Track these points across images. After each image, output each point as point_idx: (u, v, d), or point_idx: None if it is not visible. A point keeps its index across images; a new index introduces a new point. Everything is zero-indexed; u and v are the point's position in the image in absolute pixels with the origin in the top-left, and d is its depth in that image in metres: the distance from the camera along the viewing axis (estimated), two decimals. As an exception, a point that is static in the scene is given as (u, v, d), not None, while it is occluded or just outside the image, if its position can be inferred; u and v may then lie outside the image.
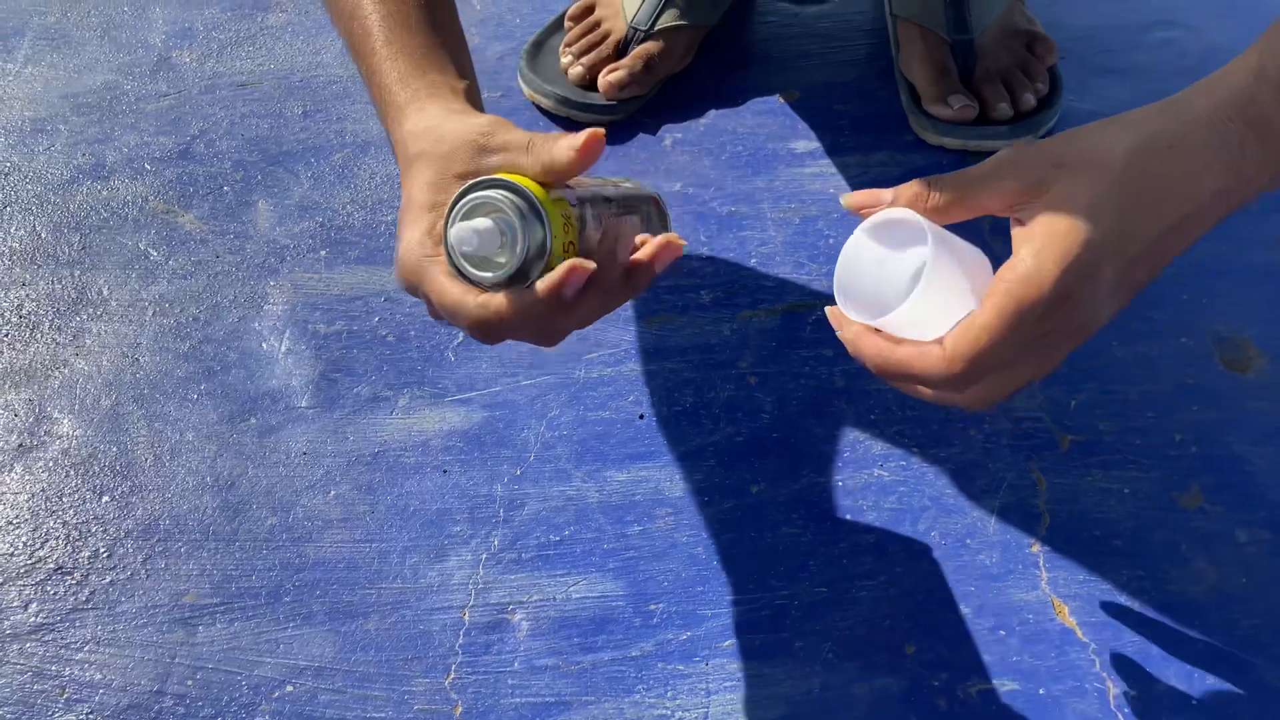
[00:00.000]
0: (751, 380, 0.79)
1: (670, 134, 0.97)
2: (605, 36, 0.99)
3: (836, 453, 0.75)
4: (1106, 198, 0.49)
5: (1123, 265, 0.49)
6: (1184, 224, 0.50)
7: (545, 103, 0.98)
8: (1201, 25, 1.03)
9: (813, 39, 1.04)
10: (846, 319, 0.52)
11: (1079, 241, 0.48)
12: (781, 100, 0.99)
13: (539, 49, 1.02)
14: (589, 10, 1.02)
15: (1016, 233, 0.51)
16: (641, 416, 0.78)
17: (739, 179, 0.93)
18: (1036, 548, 0.70)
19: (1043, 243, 0.48)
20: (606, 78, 0.96)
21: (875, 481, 0.73)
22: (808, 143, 0.96)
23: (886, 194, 0.53)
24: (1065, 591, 0.68)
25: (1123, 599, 0.67)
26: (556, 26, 1.03)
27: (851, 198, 0.54)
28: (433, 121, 0.56)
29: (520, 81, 1.00)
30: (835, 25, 1.06)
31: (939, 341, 0.49)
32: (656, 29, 0.98)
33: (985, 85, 0.94)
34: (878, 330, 0.51)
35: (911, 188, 0.53)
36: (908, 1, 0.97)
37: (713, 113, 0.98)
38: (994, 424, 0.76)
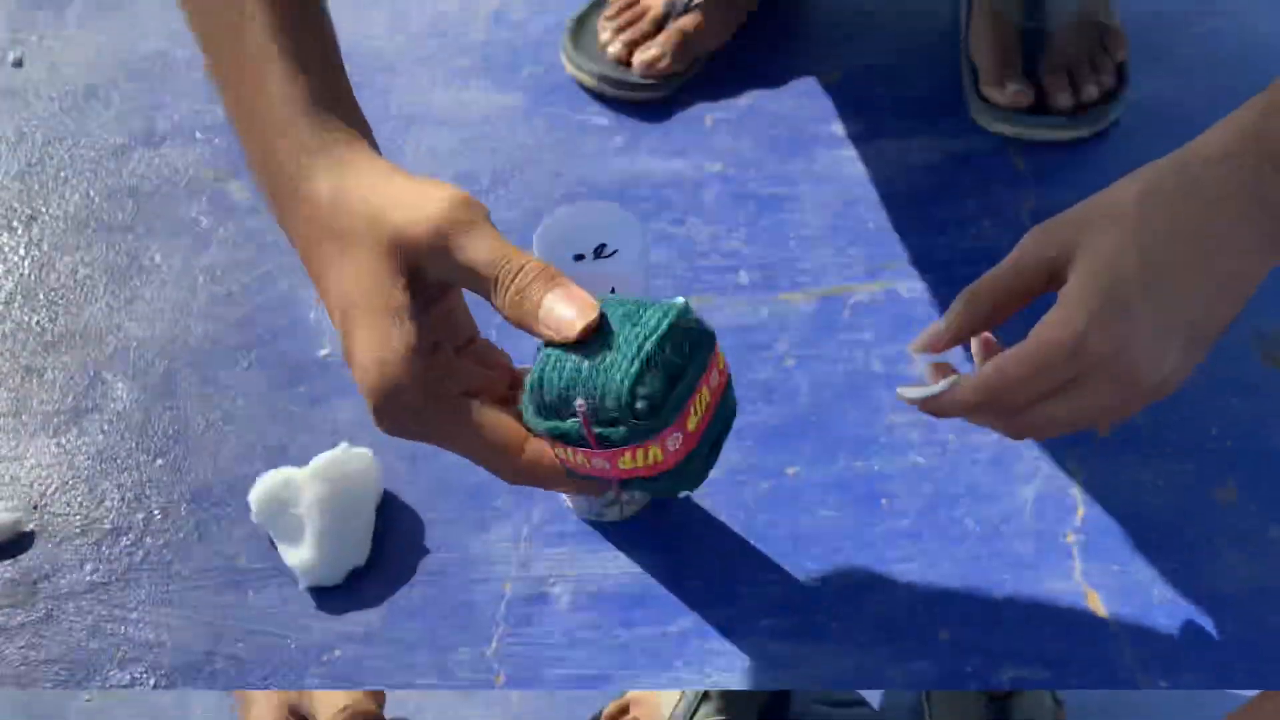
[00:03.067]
0: (789, 363, 0.80)
1: (711, 113, 0.97)
2: (644, 12, 0.99)
3: (873, 437, 0.76)
4: (1127, 241, 0.51)
5: (1164, 306, 0.50)
6: (1216, 260, 0.51)
7: (587, 80, 0.98)
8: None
9: (854, 22, 1.04)
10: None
11: (1103, 282, 0.50)
12: (822, 82, 0.99)
13: (581, 25, 1.02)
14: (629, -16, 1.01)
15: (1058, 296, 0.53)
16: (682, 396, 0.79)
17: (780, 160, 0.93)
18: (1071, 537, 0.71)
19: (1071, 293, 0.51)
20: (641, 56, 0.96)
21: (911, 467, 0.74)
22: (848, 126, 0.96)
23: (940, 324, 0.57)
24: (1098, 582, 0.69)
25: (1156, 591, 0.68)
26: (600, 2, 1.04)
27: (915, 344, 0.58)
28: (366, 181, 0.48)
29: (563, 58, 1.00)
30: (878, 6, 1.05)
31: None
32: (695, 3, 0.97)
33: (1050, 75, 0.93)
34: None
35: (956, 319, 0.56)
36: None
37: (754, 93, 0.99)
38: (1031, 414, 0.77)
